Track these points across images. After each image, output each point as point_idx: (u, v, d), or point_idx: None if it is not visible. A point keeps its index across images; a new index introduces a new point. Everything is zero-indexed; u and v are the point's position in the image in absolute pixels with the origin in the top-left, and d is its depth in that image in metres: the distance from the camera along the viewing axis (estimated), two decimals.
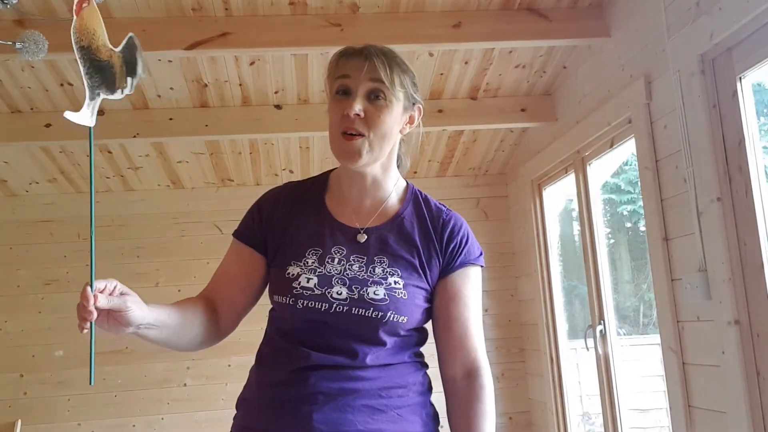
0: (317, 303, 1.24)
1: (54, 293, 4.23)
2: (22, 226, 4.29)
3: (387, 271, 1.29)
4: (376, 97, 1.30)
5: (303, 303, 1.25)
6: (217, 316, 1.33)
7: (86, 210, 4.34)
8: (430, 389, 1.37)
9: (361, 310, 1.24)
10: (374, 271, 1.29)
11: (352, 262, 1.29)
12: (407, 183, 1.45)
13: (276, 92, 3.51)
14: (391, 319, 1.25)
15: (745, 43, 2.17)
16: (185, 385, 4.16)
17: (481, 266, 1.39)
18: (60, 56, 2.87)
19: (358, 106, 1.28)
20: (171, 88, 3.40)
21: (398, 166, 1.44)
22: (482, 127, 3.84)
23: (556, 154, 3.64)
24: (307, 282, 1.26)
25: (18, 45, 2.19)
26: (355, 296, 1.25)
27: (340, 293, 1.25)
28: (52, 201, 4.32)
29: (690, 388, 2.52)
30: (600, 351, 3.32)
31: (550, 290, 3.97)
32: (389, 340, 1.27)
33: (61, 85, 3.29)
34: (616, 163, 4.15)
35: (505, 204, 4.60)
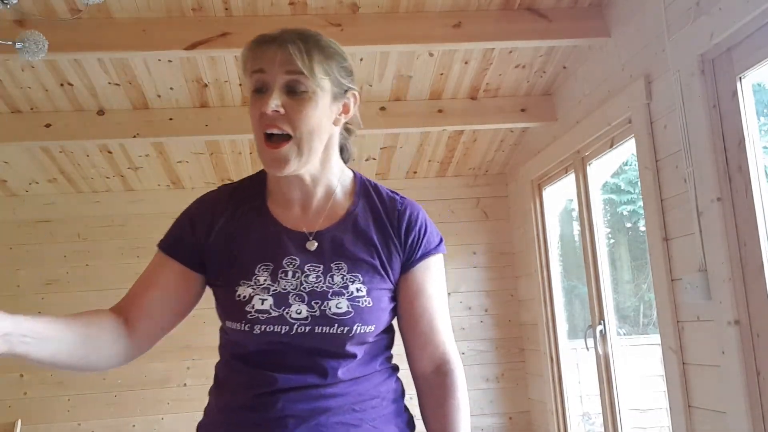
0: (276, 326, 1.13)
1: (54, 293, 4.23)
2: (22, 226, 4.29)
3: (347, 278, 1.17)
4: (295, 90, 1.15)
5: (260, 328, 1.13)
6: (132, 333, 1.18)
7: (86, 210, 4.34)
8: (403, 394, 1.31)
9: (324, 327, 1.14)
10: (333, 280, 1.16)
11: (308, 273, 1.17)
12: (354, 173, 1.31)
13: None
14: (357, 331, 1.15)
15: (745, 43, 2.17)
16: (185, 385, 4.17)
17: (443, 253, 1.29)
18: (60, 56, 2.87)
19: (274, 102, 1.14)
20: (171, 88, 3.40)
21: (345, 159, 1.32)
22: (482, 127, 3.84)
23: (556, 154, 3.64)
24: (262, 304, 1.13)
25: (18, 45, 2.19)
26: (317, 313, 1.14)
27: (300, 312, 1.13)
28: (52, 201, 4.32)
29: (690, 388, 2.52)
30: (600, 351, 3.32)
31: (550, 290, 3.98)
32: (359, 351, 1.18)
33: (61, 85, 3.29)
34: (616, 163, 4.15)
35: (505, 204, 4.60)
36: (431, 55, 3.30)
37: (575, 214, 4.14)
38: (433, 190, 4.56)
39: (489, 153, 4.37)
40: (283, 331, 1.13)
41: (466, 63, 3.39)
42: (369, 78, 3.45)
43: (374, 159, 4.30)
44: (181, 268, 1.22)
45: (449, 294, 4.46)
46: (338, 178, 1.27)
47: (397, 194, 1.31)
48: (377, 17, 2.90)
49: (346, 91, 1.23)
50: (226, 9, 2.81)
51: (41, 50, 2.21)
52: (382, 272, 1.20)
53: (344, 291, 1.16)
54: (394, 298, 1.23)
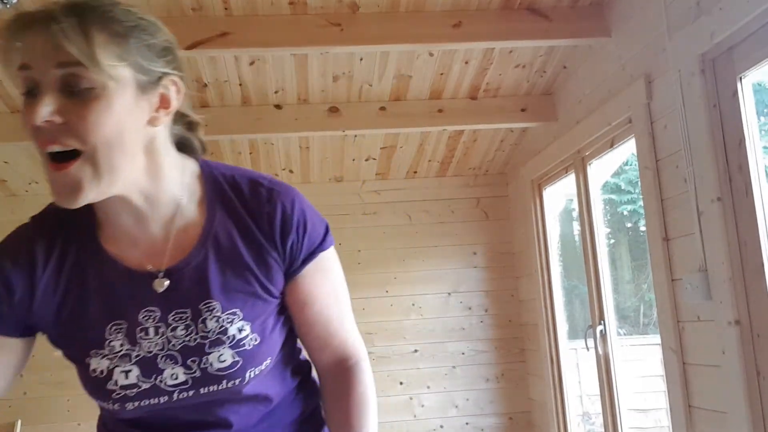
0: (151, 399, 0.93)
1: None
2: None
3: (223, 320, 0.93)
4: (73, 89, 0.83)
5: (133, 404, 0.93)
6: None
7: None
8: (319, 395, 1.15)
9: (210, 387, 0.94)
10: (207, 326, 0.93)
11: (174, 325, 0.93)
12: (201, 168, 1.00)
13: (276, 92, 3.51)
14: (251, 376, 0.96)
15: (746, 43, 2.17)
16: None
17: (331, 246, 1.05)
18: None
19: (45, 109, 0.82)
20: None
21: (194, 154, 1.02)
22: (482, 127, 3.84)
23: (556, 154, 3.64)
24: (126, 377, 0.92)
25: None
26: (197, 374, 0.93)
27: (176, 377, 0.93)
28: (52, 201, 4.32)
29: (690, 388, 2.52)
30: (600, 351, 3.32)
31: (550, 290, 3.97)
32: (260, 386, 1.00)
33: None
34: (616, 163, 4.15)
35: (505, 204, 4.60)
36: (431, 54, 3.30)
37: (575, 214, 4.14)
38: (433, 190, 4.56)
39: (489, 153, 4.36)
40: (162, 402, 0.94)
41: (466, 63, 3.38)
42: (369, 78, 3.45)
43: (374, 159, 4.30)
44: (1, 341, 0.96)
45: (449, 294, 4.46)
46: (181, 185, 0.96)
47: (261, 182, 1.00)
48: (377, 17, 2.89)
49: (160, 78, 0.89)
50: (226, 9, 2.80)
51: None
52: (264, 295, 0.98)
53: (223, 338, 0.93)
54: (284, 309, 1.04)
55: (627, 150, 3.23)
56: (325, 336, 1.07)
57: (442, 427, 4.36)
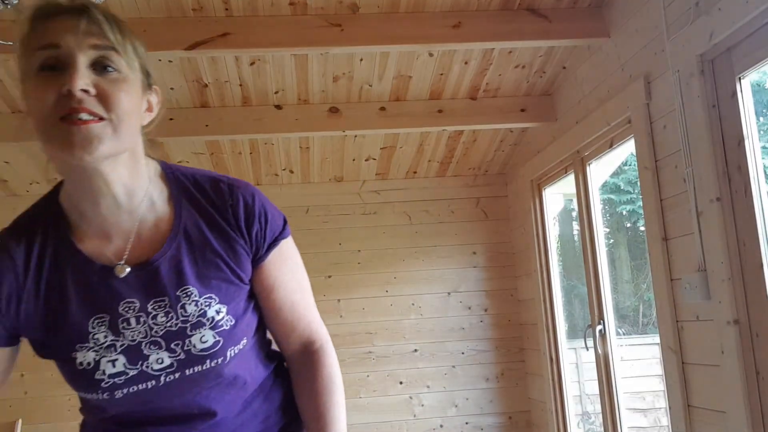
0: (139, 385, 0.99)
1: None
2: None
3: (201, 304, 1.00)
4: (105, 69, 0.92)
5: (122, 392, 0.98)
6: None
7: None
8: (290, 387, 1.21)
9: (195, 368, 1.01)
10: (186, 311, 1.00)
11: (154, 313, 0.99)
12: (160, 167, 1.08)
13: (276, 92, 3.51)
14: (231, 355, 1.04)
15: (745, 44, 2.17)
16: None
17: (289, 236, 1.13)
18: None
19: (83, 81, 0.89)
20: (171, 88, 3.41)
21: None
22: (482, 127, 3.84)
23: (555, 154, 3.64)
24: (114, 366, 0.97)
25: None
26: (181, 356, 0.99)
27: (161, 360, 0.99)
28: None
29: (689, 387, 2.52)
30: (599, 351, 3.33)
31: (549, 290, 3.98)
32: (240, 367, 1.07)
33: None
34: (615, 163, 4.15)
35: (505, 204, 4.61)
36: (431, 55, 3.30)
37: (575, 214, 4.15)
38: (433, 190, 4.57)
39: (489, 153, 4.37)
40: (150, 387, 0.99)
41: (465, 63, 3.39)
42: (369, 78, 3.45)
43: (374, 159, 4.30)
44: None
45: (449, 294, 4.47)
46: (150, 182, 1.04)
47: (220, 180, 1.09)
48: (377, 17, 2.90)
49: (150, 84, 1.02)
50: (227, 9, 2.81)
51: None
52: (236, 280, 1.05)
53: (203, 320, 1.00)
54: (252, 296, 1.11)
55: (626, 150, 3.24)
56: (291, 321, 1.14)
57: (441, 426, 4.37)
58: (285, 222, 1.11)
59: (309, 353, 1.16)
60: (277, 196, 4.29)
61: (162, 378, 0.99)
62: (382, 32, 2.89)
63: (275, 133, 3.63)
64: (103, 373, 0.98)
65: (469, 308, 4.49)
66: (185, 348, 1.00)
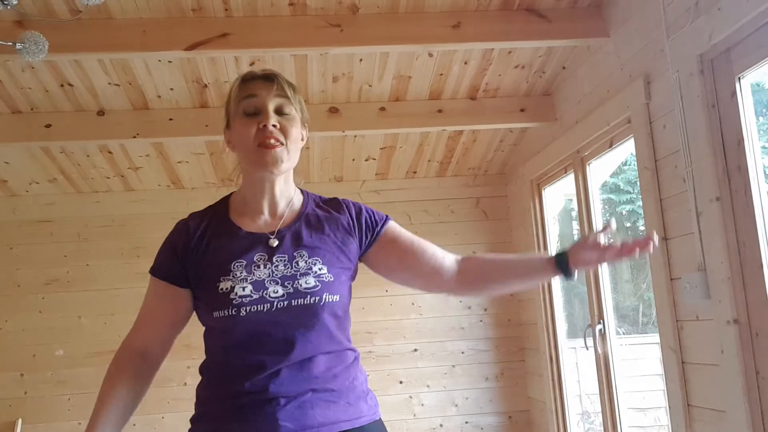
0: (259, 305, 1.35)
1: (54, 293, 4.23)
2: (22, 226, 4.29)
3: (309, 262, 1.42)
4: (283, 112, 1.45)
5: (246, 309, 1.35)
6: (150, 358, 1.47)
7: (86, 210, 4.34)
8: (366, 379, 1.50)
9: (299, 300, 1.37)
10: (298, 265, 1.41)
11: (277, 263, 1.41)
12: (301, 191, 1.58)
13: None
14: (326, 300, 1.39)
15: (744, 44, 2.17)
16: (185, 384, 4.17)
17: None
18: (60, 57, 2.87)
19: (274, 119, 1.43)
20: (171, 89, 3.41)
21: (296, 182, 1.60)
22: (482, 127, 3.84)
23: (555, 154, 3.64)
24: (243, 290, 1.36)
25: (18, 46, 2.19)
26: (291, 290, 1.38)
27: (277, 291, 1.37)
28: (52, 201, 4.33)
29: (689, 387, 2.53)
30: (599, 350, 3.33)
31: (549, 290, 3.98)
32: (330, 322, 1.40)
33: (61, 85, 3.29)
34: (615, 162, 4.16)
35: (505, 204, 4.61)
36: (431, 55, 3.30)
37: (575, 213, 4.15)
38: (433, 190, 4.57)
39: (488, 153, 4.37)
40: (265, 309, 1.35)
41: (465, 63, 3.39)
42: (369, 78, 3.45)
43: (374, 159, 4.30)
44: (173, 289, 1.45)
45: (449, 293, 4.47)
46: (295, 190, 1.54)
47: (335, 198, 1.59)
48: (377, 18, 2.90)
49: (304, 124, 1.52)
50: (226, 10, 2.81)
51: (41, 51, 2.22)
52: (339, 254, 1.46)
53: (309, 271, 1.41)
54: (352, 277, 1.51)
55: (626, 150, 3.24)
56: (439, 252, 1.56)
57: (441, 425, 4.37)
58: (387, 216, 1.58)
59: (463, 259, 1.57)
60: None
61: (275, 303, 1.36)
62: (382, 32, 2.90)
63: None
64: (236, 294, 1.35)
65: (469, 308, 4.49)
66: (294, 286, 1.38)
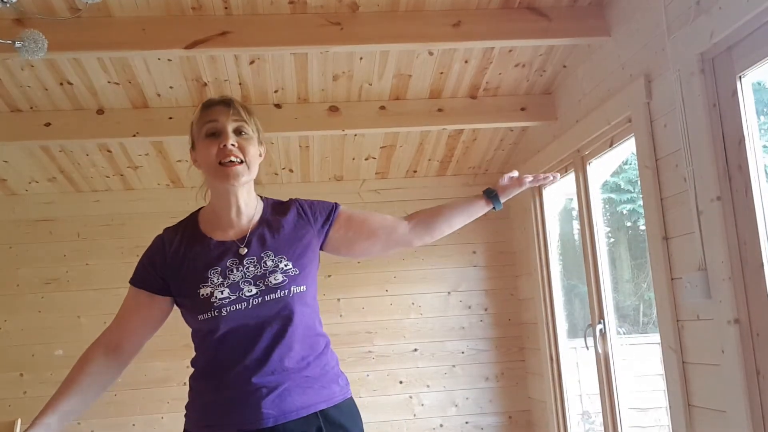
0: (237, 305, 1.55)
1: (54, 292, 4.23)
2: (21, 225, 4.29)
3: (276, 260, 1.61)
4: (241, 133, 1.63)
5: (227, 309, 1.55)
6: (121, 353, 1.63)
7: (86, 209, 4.34)
8: (338, 362, 1.70)
9: (271, 295, 1.57)
10: (266, 264, 1.60)
11: (248, 265, 1.60)
12: (260, 197, 1.78)
13: (276, 91, 3.51)
14: (294, 291, 1.59)
15: (745, 42, 2.17)
16: (185, 384, 4.16)
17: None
18: (60, 55, 2.87)
19: (232, 139, 1.61)
20: (171, 87, 3.40)
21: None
22: (482, 126, 3.84)
23: (555, 153, 3.64)
24: (222, 293, 1.56)
25: (18, 44, 2.19)
26: (263, 287, 1.57)
27: (251, 290, 1.57)
28: (52, 200, 4.32)
29: (690, 387, 2.52)
30: (600, 350, 3.32)
31: (550, 289, 3.98)
32: (301, 311, 1.59)
33: (61, 84, 3.29)
34: (615, 162, 4.14)
35: (505, 203, 4.58)
36: (431, 54, 3.30)
37: (575, 213, 4.14)
38: (433, 189, 4.56)
39: (489, 152, 4.37)
40: (243, 308, 1.55)
41: (465, 62, 3.39)
42: (369, 77, 3.45)
43: (374, 158, 4.30)
44: (151, 297, 1.64)
45: (449, 293, 4.47)
46: (257, 200, 1.73)
47: (288, 199, 1.79)
48: (377, 16, 2.90)
49: (261, 142, 1.71)
50: (226, 8, 2.80)
51: (41, 49, 2.21)
52: (300, 248, 1.66)
53: (277, 268, 1.60)
54: (316, 266, 1.70)
55: (626, 149, 3.23)
56: (389, 219, 1.81)
57: (441, 425, 4.37)
58: (337, 203, 1.80)
59: (410, 215, 1.83)
60: (276, 195, 4.25)
61: (251, 301, 1.55)
62: (382, 31, 2.89)
63: (275, 132, 3.63)
64: (216, 297, 1.55)
65: (469, 307, 4.49)
66: (265, 283, 1.57)
